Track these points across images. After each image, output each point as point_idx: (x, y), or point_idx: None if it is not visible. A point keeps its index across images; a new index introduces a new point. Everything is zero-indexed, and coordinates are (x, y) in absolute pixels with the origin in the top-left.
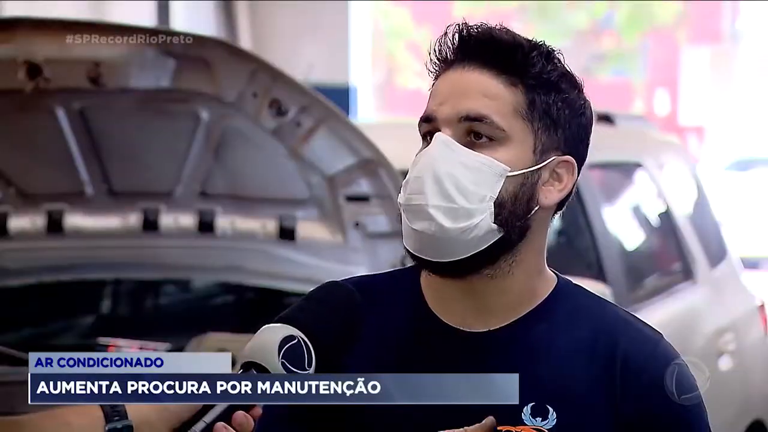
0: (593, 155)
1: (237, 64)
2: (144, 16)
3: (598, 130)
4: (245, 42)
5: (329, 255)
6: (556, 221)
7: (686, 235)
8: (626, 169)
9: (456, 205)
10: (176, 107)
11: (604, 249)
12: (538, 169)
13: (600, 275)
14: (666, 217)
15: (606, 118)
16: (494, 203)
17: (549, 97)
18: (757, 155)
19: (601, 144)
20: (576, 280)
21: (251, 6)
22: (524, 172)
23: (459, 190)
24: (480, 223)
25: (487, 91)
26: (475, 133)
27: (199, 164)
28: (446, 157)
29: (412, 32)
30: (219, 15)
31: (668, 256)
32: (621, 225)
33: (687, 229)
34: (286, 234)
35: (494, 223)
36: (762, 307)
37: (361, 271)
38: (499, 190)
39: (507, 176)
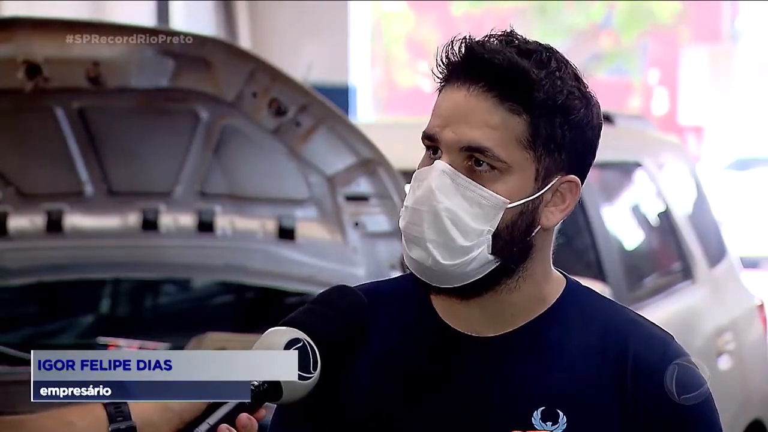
0: None
1: (236, 64)
2: (143, 16)
3: None
4: (245, 42)
5: (329, 254)
6: None
7: (685, 234)
8: (626, 169)
9: (453, 243)
10: (175, 107)
11: (604, 248)
12: (540, 195)
13: (599, 275)
14: (665, 216)
15: (605, 118)
16: (492, 235)
17: (554, 122)
18: (756, 155)
19: (601, 144)
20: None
21: (251, 6)
22: (524, 202)
23: (457, 226)
24: (477, 256)
25: (489, 121)
26: (477, 159)
27: (198, 164)
28: (445, 190)
29: (413, 32)
30: (219, 15)
31: (667, 256)
32: (620, 225)
33: (686, 229)
34: (286, 234)
35: (491, 254)
36: (761, 306)
37: (361, 271)
38: (498, 223)
39: (506, 208)
